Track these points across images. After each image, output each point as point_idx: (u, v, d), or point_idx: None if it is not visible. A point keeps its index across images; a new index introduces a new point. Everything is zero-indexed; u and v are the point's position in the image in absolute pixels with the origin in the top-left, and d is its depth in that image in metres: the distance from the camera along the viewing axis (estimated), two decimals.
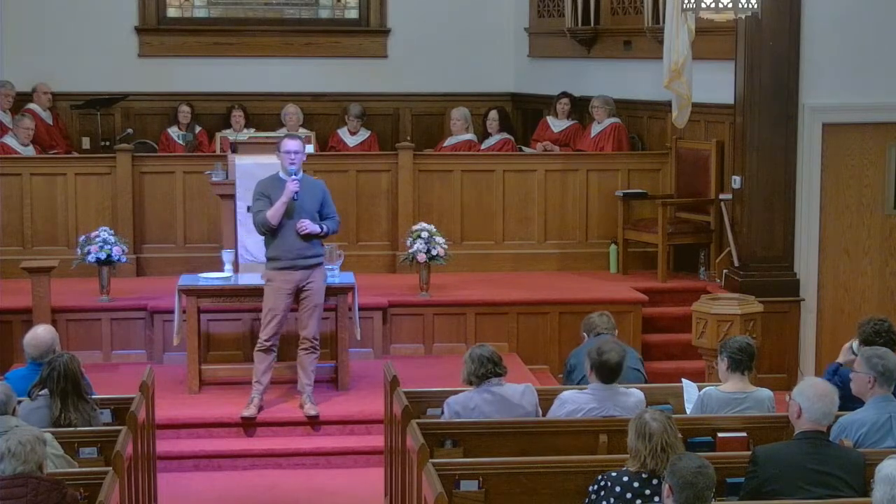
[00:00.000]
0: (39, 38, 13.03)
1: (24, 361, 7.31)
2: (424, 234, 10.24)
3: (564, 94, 12.47)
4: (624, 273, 11.32)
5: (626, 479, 5.38)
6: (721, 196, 10.89)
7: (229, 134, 12.35)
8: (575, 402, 6.58)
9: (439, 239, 10.25)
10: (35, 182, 11.16)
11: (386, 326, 10.21)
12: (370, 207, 11.42)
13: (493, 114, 12.61)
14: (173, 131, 12.79)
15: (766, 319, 9.51)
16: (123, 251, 10.18)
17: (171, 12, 13.65)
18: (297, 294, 8.64)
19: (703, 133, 11.29)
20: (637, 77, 11.92)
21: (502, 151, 12.18)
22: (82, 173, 11.25)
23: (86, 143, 13.14)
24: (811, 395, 5.73)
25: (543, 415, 6.77)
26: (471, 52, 13.68)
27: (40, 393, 6.57)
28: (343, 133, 12.82)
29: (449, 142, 12.49)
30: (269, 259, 8.68)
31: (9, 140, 11.64)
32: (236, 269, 9.51)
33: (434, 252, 10.19)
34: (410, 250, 10.24)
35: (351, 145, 12.69)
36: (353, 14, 13.88)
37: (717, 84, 10.64)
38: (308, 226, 8.51)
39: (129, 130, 12.82)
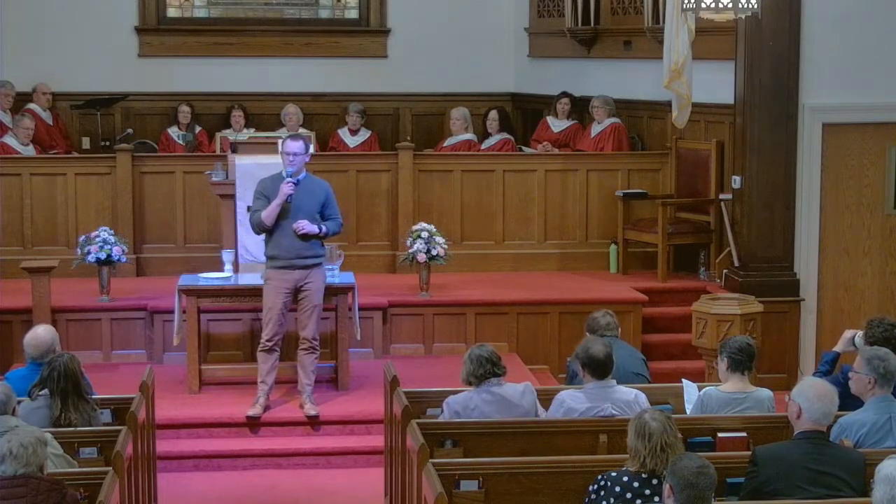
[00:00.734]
0: (39, 38, 13.03)
1: (24, 361, 7.31)
2: (424, 234, 10.24)
3: (564, 94, 12.47)
4: (624, 273, 11.32)
5: (625, 479, 5.38)
6: (721, 196, 10.89)
7: (229, 134, 12.35)
8: (572, 401, 6.58)
9: (439, 239, 10.26)
10: (35, 182, 11.16)
11: (386, 326, 10.21)
12: (370, 207, 11.42)
13: (493, 114, 12.61)
14: (173, 131, 12.79)
15: (766, 319, 9.51)
16: (123, 251, 10.18)
17: (171, 12, 13.65)
18: (296, 294, 8.64)
19: (703, 133, 11.29)
20: (637, 77, 11.92)
21: (502, 151, 12.18)
22: (82, 173, 11.25)
23: (86, 143, 13.15)
24: (811, 395, 5.72)
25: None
26: (471, 52, 13.68)
27: (40, 393, 6.57)
28: (343, 133, 12.82)
29: (449, 142, 12.49)
30: (268, 258, 8.69)
31: (9, 140, 11.64)
32: (236, 269, 9.51)
33: (434, 252, 10.19)
34: (410, 250, 10.24)
35: (351, 145, 12.69)
36: (353, 14, 13.89)
37: (717, 84, 10.64)
38: (305, 226, 8.49)
39: (129, 130, 12.82)
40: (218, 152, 11.89)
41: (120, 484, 5.81)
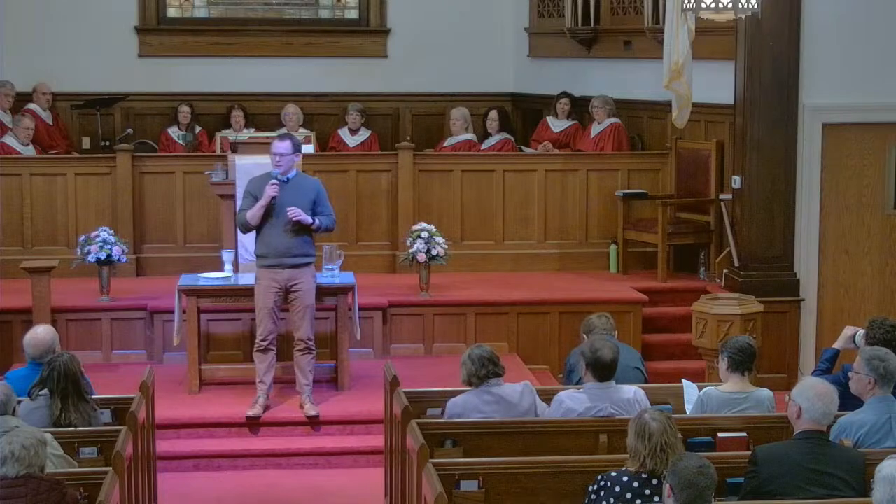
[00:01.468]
0: (39, 38, 13.02)
1: (24, 361, 7.31)
2: (424, 234, 10.24)
3: (564, 94, 12.47)
4: (624, 273, 11.32)
5: (625, 479, 5.38)
6: (721, 196, 10.90)
7: (229, 134, 12.36)
8: (572, 402, 6.57)
9: (439, 239, 10.25)
10: (35, 182, 11.16)
11: (386, 326, 10.21)
12: (370, 207, 11.42)
13: (493, 114, 12.60)
14: (173, 131, 12.78)
15: (766, 319, 9.51)
16: (123, 251, 10.18)
17: (171, 12, 13.65)
18: (287, 295, 8.62)
19: (703, 133, 11.29)
20: (637, 77, 11.92)
21: (502, 151, 12.18)
22: (82, 173, 11.25)
23: (86, 143, 13.14)
24: (811, 395, 5.72)
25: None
26: (471, 52, 13.68)
27: (40, 393, 6.58)
28: (343, 133, 12.82)
29: (449, 142, 12.49)
30: (257, 256, 8.69)
31: (9, 140, 11.64)
32: (236, 269, 9.51)
33: (434, 252, 10.19)
34: (410, 250, 10.24)
35: (351, 145, 12.69)
36: (353, 14, 13.89)
37: (717, 84, 10.63)
38: (299, 213, 8.45)
39: (129, 130, 12.81)
40: (218, 152, 11.89)
41: (120, 484, 5.81)
